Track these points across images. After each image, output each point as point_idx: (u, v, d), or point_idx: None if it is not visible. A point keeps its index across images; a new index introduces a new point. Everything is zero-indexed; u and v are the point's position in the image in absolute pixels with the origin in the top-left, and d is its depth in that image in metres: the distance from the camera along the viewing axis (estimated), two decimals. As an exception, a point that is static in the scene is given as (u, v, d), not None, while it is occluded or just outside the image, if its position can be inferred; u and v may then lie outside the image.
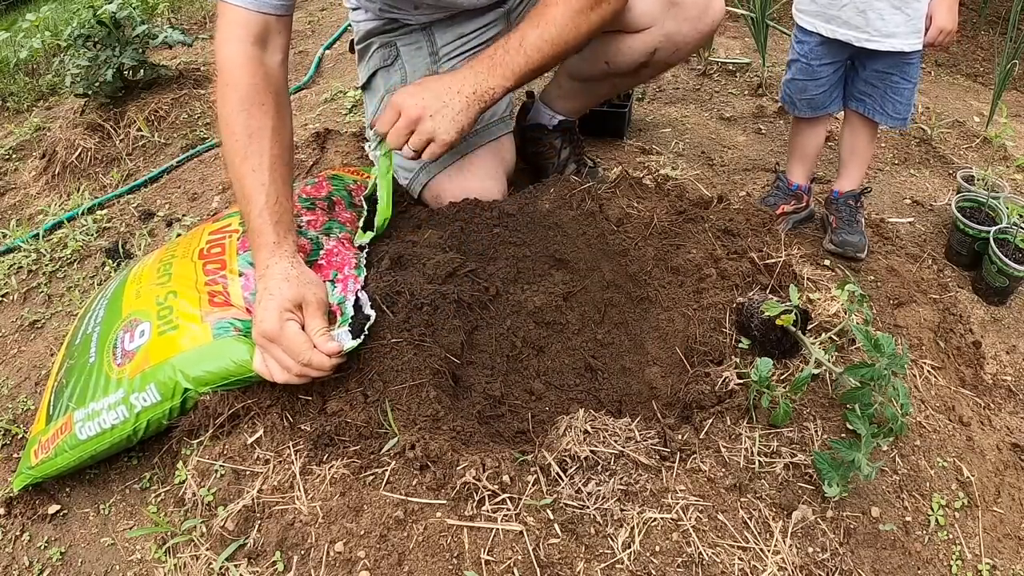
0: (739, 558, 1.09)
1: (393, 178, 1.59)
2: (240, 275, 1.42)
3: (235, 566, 1.14)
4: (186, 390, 1.29)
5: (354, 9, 1.89)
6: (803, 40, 1.85)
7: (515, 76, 1.49)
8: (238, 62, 1.39)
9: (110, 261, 1.99)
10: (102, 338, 1.41)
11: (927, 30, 1.71)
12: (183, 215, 2.13)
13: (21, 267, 2.03)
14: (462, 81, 1.46)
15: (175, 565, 1.20)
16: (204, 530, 1.20)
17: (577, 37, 1.52)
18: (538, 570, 1.06)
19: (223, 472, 1.23)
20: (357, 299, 1.34)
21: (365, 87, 1.93)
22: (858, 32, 1.75)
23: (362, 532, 1.11)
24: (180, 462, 1.32)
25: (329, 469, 1.18)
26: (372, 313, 1.31)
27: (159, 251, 1.63)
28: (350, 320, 1.30)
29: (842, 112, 1.97)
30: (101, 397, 1.33)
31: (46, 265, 2.02)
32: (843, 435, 1.24)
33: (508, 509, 1.11)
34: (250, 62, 1.39)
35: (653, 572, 1.06)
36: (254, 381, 1.30)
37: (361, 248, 1.51)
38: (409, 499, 1.13)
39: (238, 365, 1.28)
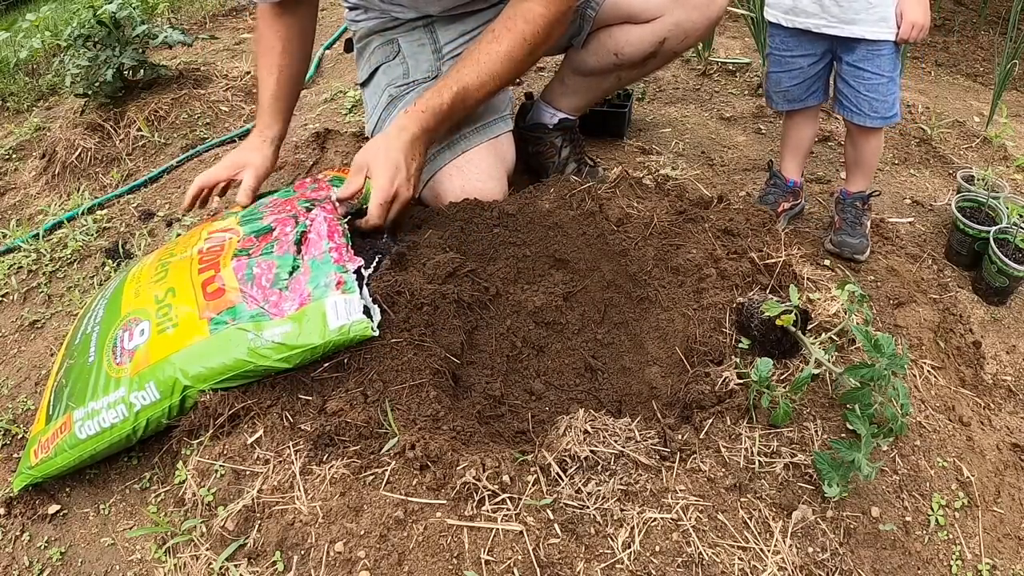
0: (739, 558, 1.09)
1: None
2: (234, 257, 1.41)
3: (235, 566, 1.14)
4: (185, 387, 1.28)
5: (352, 8, 1.89)
6: (773, 33, 1.86)
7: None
8: (260, 22, 1.83)
9: (110, 261, 1.99)
10: (101, 337, 1.41)
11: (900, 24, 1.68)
12: (183, 215, 2.13)
13: (21, 267, 2.03)
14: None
15: (175, 565, 1.20)
16: (204, 530, 1.20)
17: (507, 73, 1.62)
18: (538, 570, 1.06)
19: (223, 472, 1.23)
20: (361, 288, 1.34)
21: (365, 84, 1.93)
22: (815, 19, 1.74)
23: (362, 532, 1.11)
24: (180, 462, 1.32)
25: (329, 469, 1.18)
26: (376, 309, 1.31)
27: (159, 250, 1.62)
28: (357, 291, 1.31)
29: (836, 112, 1.97)
30: (101, 396, 1.33)
31: (46, 265, 2.02)
32: (843, 435, 1.24)
33: (508, 509, 1.11)
34: (263, 18, 1.82)
35: (653, 572, 1.06)
36: (252, 377, 1.29)
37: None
38: (409, 499, 1.13)
39: (236, 360, 1.27)
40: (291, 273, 1.36)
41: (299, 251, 1.40)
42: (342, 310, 1.27)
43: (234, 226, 1.53)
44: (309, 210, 1.58)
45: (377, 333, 1.29)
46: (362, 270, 1.36)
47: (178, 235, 1.99)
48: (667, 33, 1.84)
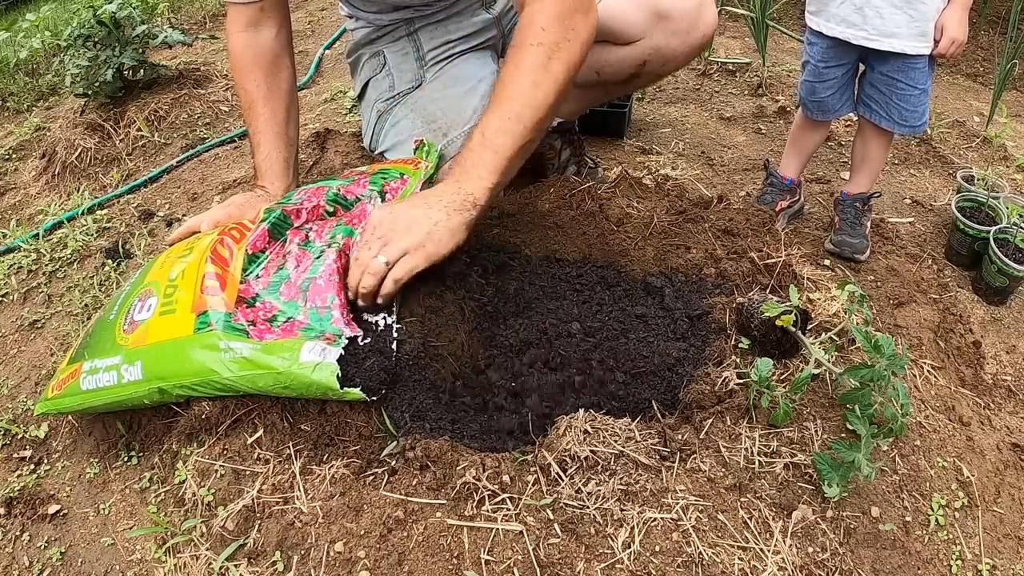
0: (739, 558, 1.08)
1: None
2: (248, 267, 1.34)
3: (235, 566, 1.14)
4: (162, 379, 1.24)
5: (348, 17, 1.90)
6: (813, 42, 1.85)
7: (492, 171, 1.32)
8: (235, 49, 1.67)
9: (110, 261, 1.99)
10: (125, 299, 1.41)
11: (937, 40, 1.68)
12: (183, 215, 2.13)
13: (21, 267, 2.03)
14: (440, 194, 1.32)
15: (175, 565, 1.20)
16: (204, 530, 1.20)
17: (547, 99, 1.35)
18: (538, 570, 1.06)
19: (223, 472, 1.23)
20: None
21: (359, 98, 1.94)
22: (855, 30, 1.73)
23: (362, 532, 1.11)
24: (180, 462, 1.32)
25: (329, 469, 1.18)
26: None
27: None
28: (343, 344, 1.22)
29: (859, 113, 1.96)
30: (104, 357, 1.32)
31: (46, 265, 2.02)
32: (843, 435, 1.24)
33: (508, 509, 1.11)
34: (241, 47, 1.66)
35: (653, 572, 1.06)
36: (220, 392, 1.23)
37: None
38: (409, 499, 1.13)
39: (204, 367, 1.20)
40: (288, 319, 1.28)
41: (305, 300, 1.29)
42: (317, 350, 1.19)
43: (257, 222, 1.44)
44: (332, 213, 1.47)
45: (366, 397, 1.19)
46: (359, 340, 1.25)
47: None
48: (647, 57, 1.80)
